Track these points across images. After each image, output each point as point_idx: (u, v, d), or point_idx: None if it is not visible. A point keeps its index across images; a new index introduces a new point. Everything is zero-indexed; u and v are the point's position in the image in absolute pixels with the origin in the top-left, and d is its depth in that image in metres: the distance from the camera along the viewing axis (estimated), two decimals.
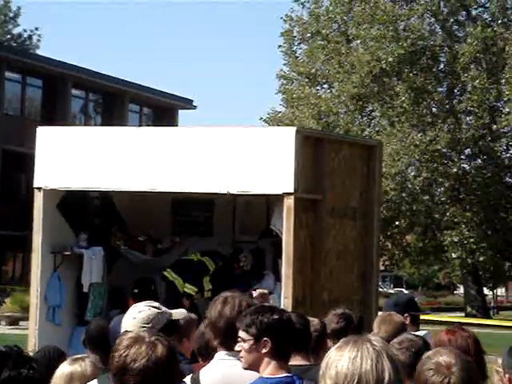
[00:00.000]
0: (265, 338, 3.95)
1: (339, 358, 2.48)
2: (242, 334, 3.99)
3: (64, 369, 4.29)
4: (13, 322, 29.47)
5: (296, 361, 4.39)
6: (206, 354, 4.49)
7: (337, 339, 4.90)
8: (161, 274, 9.71)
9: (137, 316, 4.20)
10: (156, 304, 4.33)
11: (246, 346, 3.97)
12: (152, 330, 3.24)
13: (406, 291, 58.05)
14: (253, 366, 4.00)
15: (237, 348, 4.05)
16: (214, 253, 9.85)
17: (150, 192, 9.04)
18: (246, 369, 4.05)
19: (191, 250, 10.04)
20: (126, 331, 3.16)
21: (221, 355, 4.32)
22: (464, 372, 3.00)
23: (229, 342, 4.30)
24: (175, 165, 8.85)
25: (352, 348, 2.49)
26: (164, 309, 4.33)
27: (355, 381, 2.43)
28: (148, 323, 4.18)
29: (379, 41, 32.80)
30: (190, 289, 9.52)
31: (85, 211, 10.00)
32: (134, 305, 4.32)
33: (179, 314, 4.46)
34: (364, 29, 33.26)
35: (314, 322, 5.19)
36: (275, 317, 3.99)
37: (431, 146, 32.74)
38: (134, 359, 2.88)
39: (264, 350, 3.96)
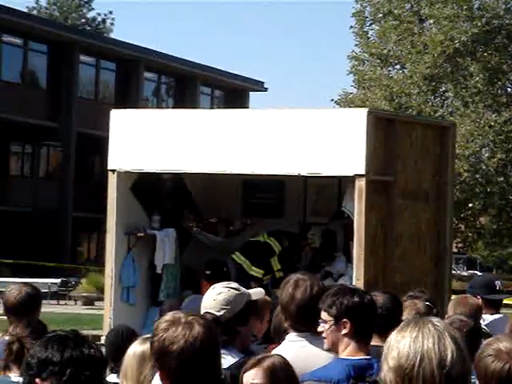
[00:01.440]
0: (344, 319, 3.97)
1: (401, 339, 2.47)
2: (323, 314, 4.04)
3: (135, 348, 4.35)
4: (88, 302, 30.03)
5: (374, 342, 4.38)
6: (279, 334, 4.52)
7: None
8: (230, 256, 9.77)
9: (216, 298, 4.24)
10: (234, 285, 4.37)
11: (326, 326, 4.01)
12: (188, 311, 3.25)
13: (479, 273, 57.38)
14: (333, 347, 4.03)
15: (319, 329, 4.09)
16: (280, 232, 9.87)
17: (222, 174, 9.09)
18: (327, 350, 4.08)
19: (262, 231, 10.07)
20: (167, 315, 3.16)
21: (291, 337, 4.35)
22: None
23: (299, 324, 4.32)
24: (246, 147, 8.88)
25: (413, 328, 2.47)
26: (243, 290, 4.37)
27: (417, 359, 2.42)
28: (227, 305, 4.22)
29: (453, 20, 32.30)
30: (256, 272, 9.55)
31: (157, 193, 10.11)
32: (212, 286, 4.36)
33: (258, 293, 4.50)
34: (437, 8, 32.78)
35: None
36: (356, 299, 4.00)
37: (506, 126, 32.18)
38: (171, 342, 2.88)
39: (343, 331, 3.98)
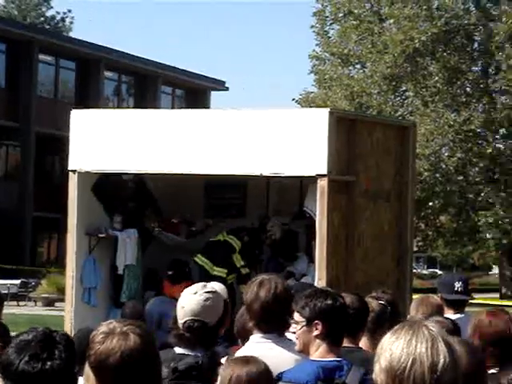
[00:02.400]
0: (316, 321, 3.99)
1: (394, 341, 2.48)
2: (296, 315, 4.06)
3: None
4: (49, 303, 29.80)
5: (343, 343, 4.38)
6: (244, 336, 4.52)
7: (375, 321, 4.90)
8: (192, 259, 9.75)
9: (204, 304, 4.24)
10: (212, 287, 4.37)
11: (298, 327, 4.02)
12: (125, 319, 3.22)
13: (439, 272, 57.87)
14: (305, 348, 4.05)
15: (291, 329, 4.10)
16: (240, 229, 9.87)
17: (184, 174, 9.06)
18: (299, 351, 4.10)
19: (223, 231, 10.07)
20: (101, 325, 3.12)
21: (256, 338, 4.35)
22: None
23: (264, 324, 4.31)
24: (208, 147, 8.86)
25: (407, 331, 2.48)
26: (219, 290, 4.37)
27: (409, 363, 2.42)
28: (214, 310, 4.23)
29: (412, 20, 32.55)
30: (219, 271, 9.54)
31: (119, 194, 10.06)
32: (192, 289, 4.35)
33: (225, 292, 4.52)
34: (397, 8, 33.01)
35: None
36: (328, 301, 4.03)
37: (465, 126, 32.50)
38: (108, 355, 2.83)
39: (315, 333, 4.00)
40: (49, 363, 2.58)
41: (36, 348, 2.59)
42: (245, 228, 9.91)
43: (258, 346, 4.30)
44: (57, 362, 2.60)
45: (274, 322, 4.32)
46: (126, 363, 2.83)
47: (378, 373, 2.46)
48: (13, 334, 4.92)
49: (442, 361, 2.43)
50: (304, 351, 4.08)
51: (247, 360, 3.75)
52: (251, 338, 4.37)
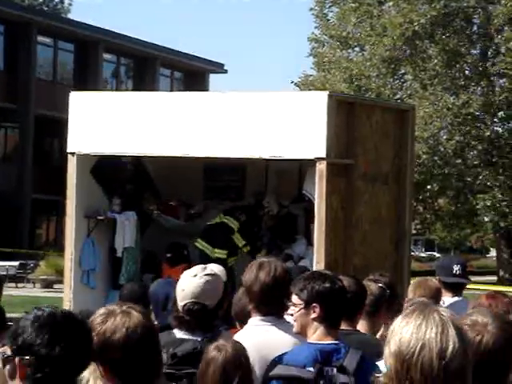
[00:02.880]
0: (314, 304, 4.01)
1: (404, 325, 2.46)
2: (294, 297, 4.08)
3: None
4: (47, 285, 29.85)
5: (341, 326, 4.39)
6: (243, 318, 4.53)
7: (373, 304, 4.93)
8: (192, 244, 9.76)
9: (204, 287, 4.25)
10: (211, 269, 4.38)
11: (296, 309, 4.04)
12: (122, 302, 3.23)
13: (437, 254, 57.95)
14: (302, 331, 4.07)
15: (289, 311, 4.12)
16: (235, 208, 9.88)
17: (182, 157, 9.07)
18: (297, 333, 4.12)
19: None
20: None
21: (255, 321, 4.36)
22: (500, 331, 2.95)
23: (263, 307, 4.33)
24: (207, 130, 8.86)
25: (418, 316, 2.46)
26: (218, 273, 4.39)
27: (418, 348, 2.41)
28: (214, 293, 4.24)
29: (412, 3, 32.44)
30: (220, 253, 9.56)
31: (118, 176, 10.06)
32: (191, 271, 4.36)
33: (224, 274, 4.53)
34: None
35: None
36: (326, 285, 4.04)
37: (464, 109, 32.45)
38: (113, 331, 2.83)
39: (313, 316, 4.02)
40: (67, 346, 2.56)
41: (56, 330, 2.55)
42: (240, 207, 9.92)
43: (257, 329, 4.31)
44: (75, 345, 2.58)
45: (273, 305, 4.33)
46: (133, 339, 2.82)
47: (387, 356, 2.45)
48: (9, 315, 4.95)
49: (451, 347, 2.41)
50: (302, 334, 4.10)
51: (223, 344, 3.76)
52: (250, 320, 4.39)
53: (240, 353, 3.71)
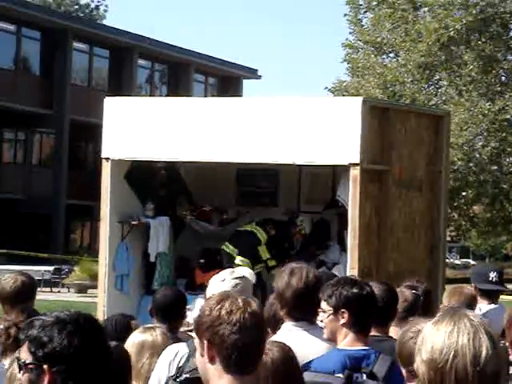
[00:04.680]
0: (342, 310, 3.99)
1: (435, 332, 2.43)
2: (323, 304, 4.08)
3: (135, 337, 4.35)
4: (81, 289, 30.00)
5: (372, 332, 4.37)
6: (274, 324, 4.52)
7: (407, 310, 4.89)
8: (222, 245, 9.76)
9: (233, 290, 4.23)
10: (240, 273, 4.38)
11: (325, 316, 4.03)
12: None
13: (472, 262, 57.48)
14: (332, 336, 4.06)
15: (319, 318, 4.10)
16: (268, 221, 9.85)
17: (216, 162, 9.07)
18: (327, 339, 4.10)
19: (256, 220, 10.07)
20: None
21: (288, 326, 4.35)
22: None
23: (295, 312, 4.32)
24: (241, 135, 8.85)
25: (449, 322, 2.43)
26: (247, 275, 4.38)
27: (451, 355, 2.37)
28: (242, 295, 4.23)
29: (447, 8, 32.26)
30: (241, 260, 9.53)
31: (151, 181, 10.10)
32: (220, 276, 4.35)
33: (253, 275, 4.52)
34: None
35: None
36: (355, 290, 4.02)
37: (500, 115, 32.19)
38: (230, 311, 2.81)
39: (342, 321, 4.00)
40: (96, 352, 2.52)
41: (86, 337, 2.51)
42: (274, 220, 9.90)
43: (290, 334, 4.30)
44: (101, 350, 2.54)
45: (305, 310, 4.32)
46: (247, 322, 2.80)
47: (419, 364, 2.42)
48: None
49: (484, 352, 2.38)
50: (332, 340, 4.09)
51: (268, 348, 3.73)
52: (283, 326, 4.38)
53: (288, 354, 3.70)
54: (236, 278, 4.30)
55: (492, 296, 6.08)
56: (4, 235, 35.66)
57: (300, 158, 8.63)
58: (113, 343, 3.25)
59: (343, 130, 8.37)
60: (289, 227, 9.92)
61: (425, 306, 4.97)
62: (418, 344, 2.46)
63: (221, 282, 4.28)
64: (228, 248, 9.64)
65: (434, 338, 2.41)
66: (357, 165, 8.28)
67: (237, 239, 9.69)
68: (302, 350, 4.16)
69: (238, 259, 9.50)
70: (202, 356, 2.84)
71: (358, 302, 4.01)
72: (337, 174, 9.31)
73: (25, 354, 2.51)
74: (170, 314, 5.16)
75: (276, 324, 4.48)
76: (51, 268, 31.82)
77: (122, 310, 8.33)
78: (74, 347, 2.47)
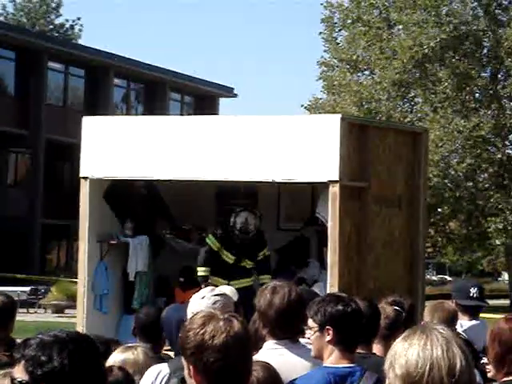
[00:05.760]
0: (327, 327, 3.98)
1: (408, 347, 2.45)
2: (309, 321, 4.06)
3: (116, 357, 4.31)
4: (59, 310, 29.80)
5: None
6: (254, 342, 4.50)
7: (389, 327, 4.89)
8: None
9: (213, 307, 4.21)
10: (220, 290, 4.36)
11: (311, 333, 4.02)
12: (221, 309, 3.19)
13: (449, 278, 57.66)
14: (319, 354, 4.04)
15: (306, 335, 4.09)
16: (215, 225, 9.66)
17: (195, 181, 9.06)
18: (314, 357, 4.09)
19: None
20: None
21: (270, 344, 4.33)
22: None
23: (278, 331, 4.30)
24: (219, 153, 8.85)
25: (420, 336, 2.46)
26: (228, 293, 4.36)
27: (427, 367, 2.40)
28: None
29: (421, 26, 32.52)
30: (201, 271, 9.42)
31: (130, 200, 10.06)
32: (199, 294, 4.34)
33: (235, 293, 4.50)
34: (406, 14, 32.99)
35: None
36: (339, 307, 4.02)
37: (475, 131, 32.42)
38: (212, 336, 2.79)
39: (327, 338, 3.99)
40: (94, 371, 2.49)
41: (84, 355, 2.48)
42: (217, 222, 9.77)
43: (272, 353, 4.28)
44: (98, 368, 2.52)
45: (287, 329, 4.31)
46: (231, 345, 2.79)
47: (392, 380, 2.43)
48: (20, 340, 4.93)
49: (458, 364, 2.42)
50: (319, 357, 4.07)
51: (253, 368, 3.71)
52: (265, 344, 4.36)
53: (273, 372, 3.68)
54: (216, 295, 4.28)
55: (473, 312, 6.08)
56: None
57: (279, 176, 8.63)
58: None
59: (322, 147, 8.39)
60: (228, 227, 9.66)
61: (408, 323, 4.96)
62: (389, 360, 2.47)
63: (200, 300, 4.27)
64: (200, 271, 9.49)
65: (407, 353, 2.43)
66: (336, 182, 8.29)
67: (199, 258, 9.52)
68: (285, 368, 4.15)
69: (199, 271, 9.35)
70: (190, 377, 2.83)
71: (342, 319, 4.00)
72: (316, 191, 9.32)
73: (20, 374, 2.49)
74: (153, 334, 5.13)
75: (257, 342, 4.46)
76: (28, 288, 31.58)
77: (101, 330, 8.29)
78: (74, 367, 2.45)
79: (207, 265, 9.34)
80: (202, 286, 9.07)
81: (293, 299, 4.32)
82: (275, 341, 4.32)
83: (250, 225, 9.41)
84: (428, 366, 2.40)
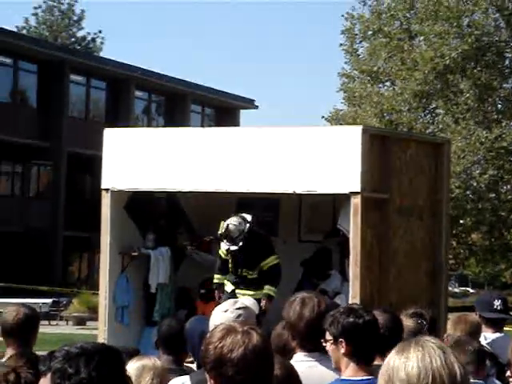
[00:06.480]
0: (340, 339, 3.95)
1: (406, 360, 2.45)
2: (327, 333, 4.02)
3: (133, 364, 4.31)
4: (80, 322, 29.84)
5: (377, 361, 4.33)
6: (283, 354, 4.47)
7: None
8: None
9: (236, 321, 4.19)
10: (242, 303, 4.34)
11: (328, 345, 4.00)
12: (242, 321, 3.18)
13: (471, 290, 57.31)
14: (337, 366, 4.01)
15: (327, 348, 4.07)
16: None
17: (216, 192, 9.05)
18: (335, 368, 4.06)
19: None
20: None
21: (299, 356, 4.31)
22: None
23: (308, 343, 4.27)
24: (241, 165, 8.84)
25: (416, 348, 2.46)
26: (250, 305, 4.34)
27: (430, 378, 2.39)
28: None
29: (443, 37, 32.42)
30: (216, 278, 9.35)
31: (151, 212, 10.06)
32: (222, 306, 4.32)
33: (255, 305, 4.48)
34: (427, 25, 32.91)
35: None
36: (350, 319, 3.98)
37: (497, 143, 32.24)
38: (230, 349, 2.79)
39: (341, 351, 3.96)
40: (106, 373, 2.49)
41: (100, 359, 2.48)
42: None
43: (301, 365, 4.25)
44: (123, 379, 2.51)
45: (317, 341, 4.28)
46: (249, 359, 2.78)
47: None
48: (42, 352, 4.92)
49: (458, 371, 2.44)
50: (338, 369, 4.05)
51: None
52: (294, 356, 4.33)
53: (290, 370, 3.65)
54: (239, 308, 4.26)
55: (497, 325, 6.01)
56: (1, 268, 35.54)
57: (300, 187, 8.61)
58: None
59: (343, 158, 8.36)
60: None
61: (430, 335, 4.92)
62: (385, 376, 2.46)
63: (223, 313, 4.25)
64: (215, 278, 9.44)
65: (406, 366, 2.43)
66: (357, 193, 8.26)
67: (216, 265, 9.44)
68: (313, 380, 4.12)
69: (215, 278, 9.29)
70: None
71: (354, 331, 3.96)
72: (337, 202, 9.29)
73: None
74: (175, 346, 5.11)
75: (285, 353, 4.43)
76: (49, 301, 31.68)
77: (123, 341, 8.28)
78: (101, 378, 2.44)
79: (221, 272, 9.31)
80: (216, 292, 9.07)
81: (322, 311, 4.30)
82: (305, 353, 4.30)
83: (231, 232, 9.00)
84: (430, 377, 2.40)
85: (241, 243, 9.00)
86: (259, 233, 9.26)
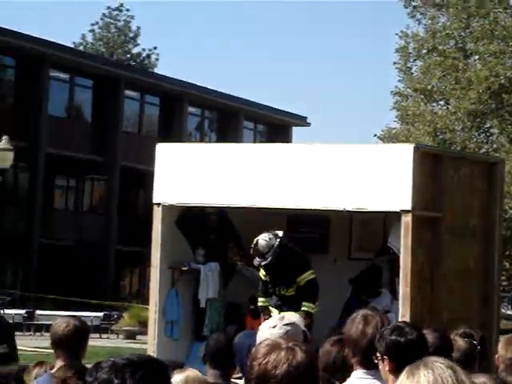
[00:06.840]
0: (385, 357, 3.95)
1: (418, 381, 2.45)
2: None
3: (176, 377, 4.33)
4: (130, 336, 30.03)
5: None
6: (332, 371, 4.44)
7: (461, 360, 4.79)
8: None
9: (283, 337, 4.19)
10: (289, 319, 4.34)
11: (378, 362, 4.00)
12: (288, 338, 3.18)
13: None
14: (387, 383, 4.00)
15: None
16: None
17: (266, 208, 9.06)
18: None
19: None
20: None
21: (359, 373, 4.28)
22: None
23: (368, 361, 4.25)
24: (291, 181, 8.85)
25: (425, 370, 2.46)
26: (297, 321, 4.34)
27: None
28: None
29: (498, 56, 32.15)
30: (260, 301, 9.30)
31: (202, 227, 10.10)
32: (269, 322, 4.32)
33: (302, 322, 4.47)
34: (482, 44, 32.66)
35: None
36: (393, 337, 3.98)
37: None
38: (274, 366, 2.80)
39: (386, 368, 3.96)
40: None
41: (146, 371, 2.48)
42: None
43: (362, 382, 4.24)
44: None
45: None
46: (293, 376, 2.79)
47: None
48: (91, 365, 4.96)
49: None
50: None
51: None
52: (353, 373, 4.31)
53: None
54: (286, 324, 4.26)
55: None
56: (54, 281, 35.94)
57: (351, 205, 8.58)
58: None
59: (395, 176, 8.32)
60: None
61: (481, 356, 4.86)
62: None
63: (271, 329, 4.24)
64: (259, 302, 9.38)
65: None
66: (409, 211, 8.21)
67: (259, 288, 9.40)
68: None
69: (259, 301, 9.24)
70: None
71: (396, 349, 3.96)
72: (388, 220, 9.24)
73: None
74: (223, 361, 5.11)
75: (335, 371, 4.40)
76: (101, 314, 31.95)
77: (172, 356, 8.31)
78: None
79: (264, 295, 9.25)
80: (262, 315, 9.04)
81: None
82: (365, 370, 4.28)
83: (261, 247, 8.91)
84: None
85: (270, 258, 8.91)
86: (293, 248, 9.19)
